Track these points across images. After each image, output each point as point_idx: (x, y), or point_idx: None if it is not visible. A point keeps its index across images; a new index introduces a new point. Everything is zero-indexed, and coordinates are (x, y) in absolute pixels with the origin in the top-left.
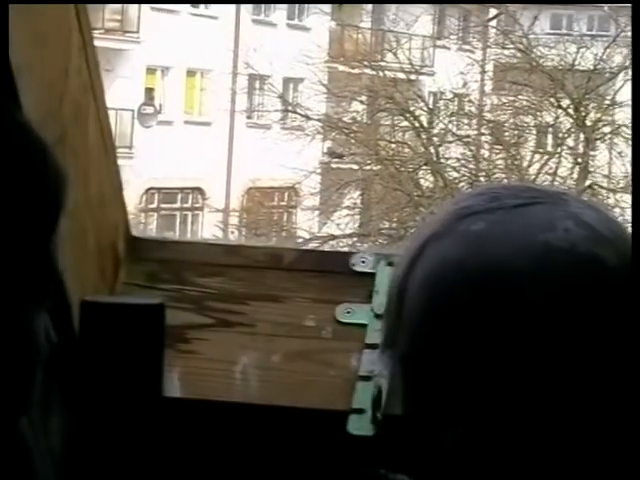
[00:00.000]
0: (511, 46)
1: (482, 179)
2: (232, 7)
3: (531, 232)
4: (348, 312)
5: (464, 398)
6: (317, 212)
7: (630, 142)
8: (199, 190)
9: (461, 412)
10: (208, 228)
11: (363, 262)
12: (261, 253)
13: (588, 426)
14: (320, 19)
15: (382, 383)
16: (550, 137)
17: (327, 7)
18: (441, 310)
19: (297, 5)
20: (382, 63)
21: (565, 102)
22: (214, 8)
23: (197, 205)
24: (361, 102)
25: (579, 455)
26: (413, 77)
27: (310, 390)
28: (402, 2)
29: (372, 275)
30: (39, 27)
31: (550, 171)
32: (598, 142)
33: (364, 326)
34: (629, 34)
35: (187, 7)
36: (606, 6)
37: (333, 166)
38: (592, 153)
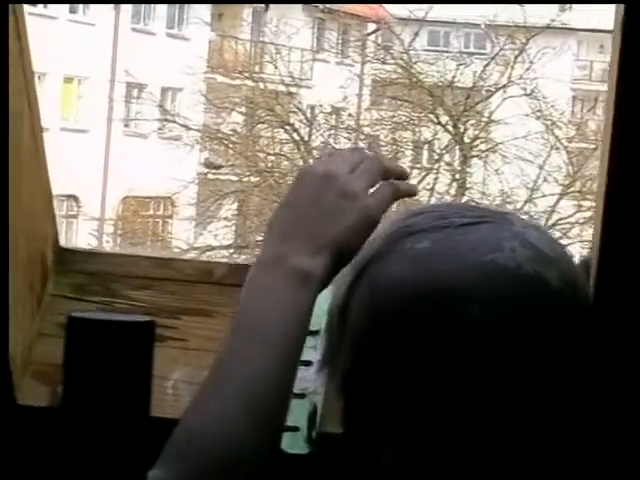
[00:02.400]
0: (391, 61)
1: None
2: (111, 14)
3: (478, 251)
4: None
5: (404, 416)
6: (194, 222)
7: (506, 160)
8: (74, 198)
9: (400, 430)
10: (83, 236)
11: None
12: (191, 267)
13: (526, 442)
14: (200, 29)
15: (317, 400)
16: (428, 153)
17: (207, 17)
18: (381, 330)
19: (177, 14)
20: (262, 75)
21: (444, 118)
22: (92, 15)
23: (72, 213)
24: (241, 113)
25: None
26: (293, 90)
27: None
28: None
29: None
30: None
31: (428, 187)
32: (475, 159)
33: None
34: (507, 52)
35: (65, 13)
36: (483, 24)
37: (211, 177)
38: (469, 170)
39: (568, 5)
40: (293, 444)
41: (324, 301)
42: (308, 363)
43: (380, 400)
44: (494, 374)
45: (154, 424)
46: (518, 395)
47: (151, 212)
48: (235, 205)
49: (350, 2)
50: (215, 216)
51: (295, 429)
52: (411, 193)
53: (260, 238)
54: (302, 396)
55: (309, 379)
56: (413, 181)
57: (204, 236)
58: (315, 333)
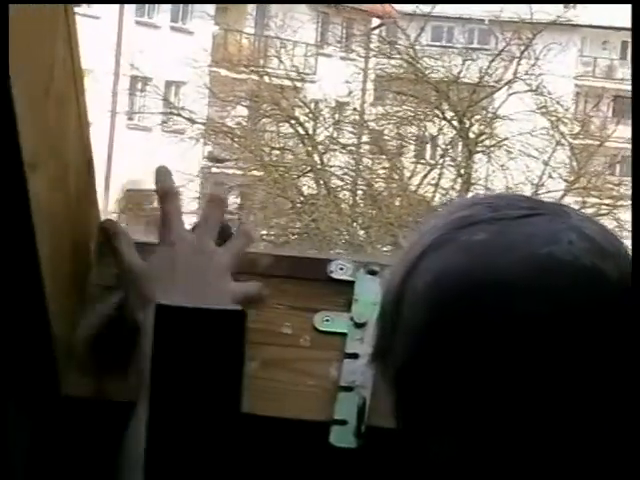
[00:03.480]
0: (397, 56)
1: (364, 188)
2: (115, 7)
3: (535, 244)
4: (326, 320)
5: (460, 411)
6: (197, 217)
7: (511, 156)
8: None
9: (456, 425)
10: None
11: (341, 269)
12: None
13: (583, 438)
14: (204, 23)
15: (366, 394)
16: (434, 148)
17: (211, 10)
18: (441, 321)
19: (181, 7)
20: (267, 69)
21: (449, 114)
22: (97, 8)
23: None
24: (246, 107)
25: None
26: (298, 84)
27: (288, 400)
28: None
29: (350, 283)
30: (28, 17)
31: (433, 182)
32: (480, 155)
33: (343, 335)
34: (513, 48)
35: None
36: (487, 20)
37: (215, 170)
38: (474, 165)
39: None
40: (341, 438)
41: (370, 293)
42: (355, 356)
43: (436, 394)
44: (551, 367)
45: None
46: (575, 389)
47: (154, 205)
48: (239, 199)
49: (353, 2)
50: None
51: (343, 423)
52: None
53: (264, 232)
54: (350, 389)
55: (356, 372)
56: (417, 177)
57: None
58: (361, 325)
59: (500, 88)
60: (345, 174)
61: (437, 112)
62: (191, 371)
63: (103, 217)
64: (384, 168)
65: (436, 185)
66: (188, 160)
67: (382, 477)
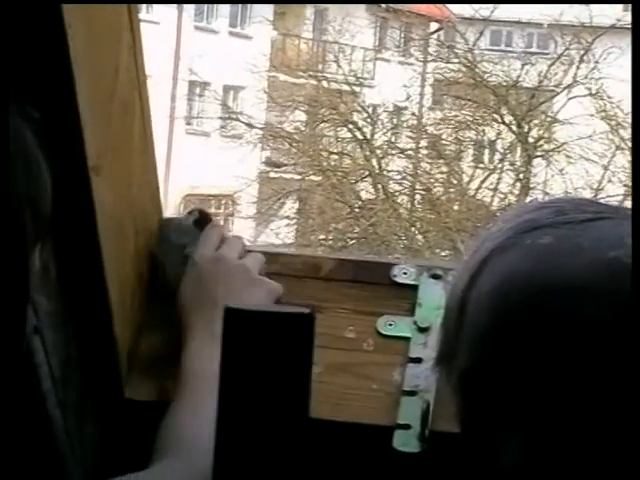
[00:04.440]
0: (455, 60)
1: (422, 192)
2: (174, 13)
3: (601, 248)
4: (390, 324)
5: (527, 414)
6: (255, 221)
7: (570, 160)
8: None
9: (523, 429)
10: None
11: (405, 274)
12: (299, 262)
13: None
14: (262, 27)
15: (429, 398)
16: (492, 153)
17: (270, 15)
18: (507, 325)
19: (240, 13)
20: (325, 73)
21: (508, 118)
22: (156, 13)
23: None
24: (304, 112)
25: None
26: (356, 89)
27: (352, 404)
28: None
29: (414, 287)
30: (93, 24)
31: (491, 186)
32: (539, 159)
33: (407, 339)
34: (572, 52)
35: None
36: (546, 24)
37: (273, 175)
38: (532, 170)
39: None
40: (405, 442)
41: (433, 298)
42: (418, 360)
43: (502, 398)
44: (619, 373)
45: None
46: None
47: (213, 210)
48: (297, 204)
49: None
50: (277, 215)
51: (407, 427)
52: None
53: (322, 237)
54: (413, 393)
55: (420, 376)
56: (476, 182)
57: (265, 234)
58: (425, 330)
59: (559, 92)
60: (403, 179)
61: (496, 116)
62: (259, 375)
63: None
64: (442, 173)
65: (495, 190)
66: (246, 165)
67: None
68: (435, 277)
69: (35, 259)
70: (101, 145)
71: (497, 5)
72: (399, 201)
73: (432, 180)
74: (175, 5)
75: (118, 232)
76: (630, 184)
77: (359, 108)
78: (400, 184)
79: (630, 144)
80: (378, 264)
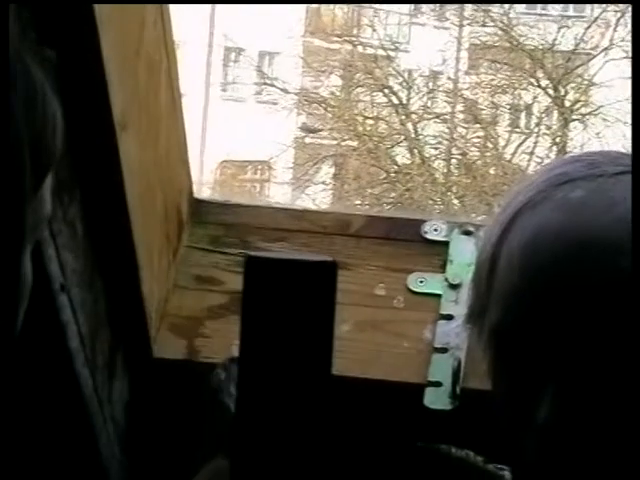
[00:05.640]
0: (491, 24)
1: (458, 157)
2: None
3: (631, 202)
4: (421, 281)
5: (560, 371)
6: (291, 187)
7: (607, 123)
8: None
9: (555, 385)
10: None
11: (435, 230)
12: (328, 218)
13: None
14: None
15: (460, 355)
16: (528, 117)
17: None
18: (539, 280)
19: None
20: (360, 38)
21: (544, 82)
22: None
23: None
24: (339, 77)
25: None
26: (392, 53)
27: (382, 361)
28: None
29: (445, 243)
30: None
31: (527, 150)
32: (575, 122)
33: (438, 296)
34: (609, 15)
35: None
36: None
37: (308, 141)
38: (569, 134)
39: None
40: (436, 400)
41: (465, 254)
42: (449, 317)
43: (535, 353)
44: None
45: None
46: None
47: (248, 176)
48: (333, 169)
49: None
50: (312, 180)
51: (438, 384)
52: None
53: (359, 202)
54: (444, 351)
55: (451, 333)
56: (512, 146)
57: (301, 200)
58: (456, 286)
59: (596, 55)
60: (439, 143)
61: (532, 80)
62: (281, 325)
63: (198, 189)
64: (478, 137)
65: (531, 154)
66: (282, 130)
67: (477, 440)
68: (466, 233)
69: (41, 202)
70: (127, 101)
71: None
72: (435, 166)
73: (468, 145)
74: None
75: (145, 190)
76: None
77: (394, 73)
78: (436, 149)
79: None
80: (409, 221)
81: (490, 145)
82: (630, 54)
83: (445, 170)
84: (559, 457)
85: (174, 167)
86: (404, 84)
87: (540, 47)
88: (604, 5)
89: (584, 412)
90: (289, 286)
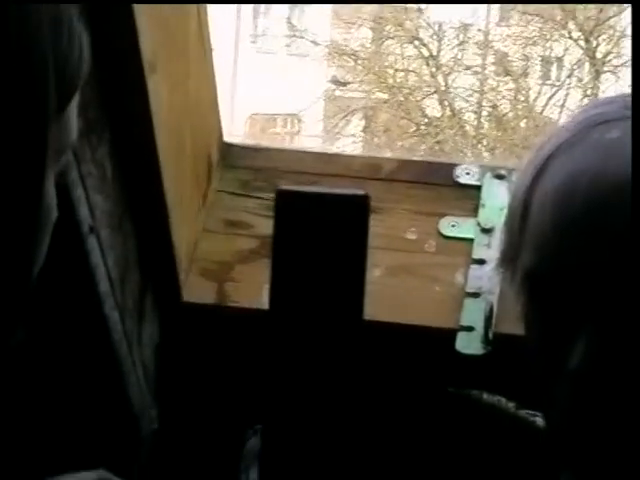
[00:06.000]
0: None
1: (489, 109)
2: None
3: None
4: (453, 225)
5: (594, 315)
6: (321, 139)
7: None
8: None
9: (589, 330)
10: None
11: (468, 174)
12: (358, 162)
13: None
14: None
15: (493, 300)
16: (559, 69)
17: None
18: (572, 224)
19: None
20: None
21: (576, 34)
22: None
23: None
24: (369, 29)
25: None
26: (422, 5)
27: (413, 306)
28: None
29: (477, 188)
30: None
31: (558, 103)
32: (607, 74)
33: (470, 240)
34: None
35: None
36: None
37: (338, 93)
38: (600, 86)
39: None
40: (468, 344)
41: (497, 198)
42: (482, 262)
43: (567, 299)
44: None
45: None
46: None
47: (278, 129)
48: (363, 122)
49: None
50: (342, 133)
51: (470, 329)
52: None
53: (388, 154)
54: (476, 295)
55: (483, 278)
56: (543, 98)
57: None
58: (488, 231)
59: (628, 6)
60: (470, 96)
61: (563, 32)
62: (313, 263)
63: (228, 140)
64: (509, 89)
65: (562, 106)
66: (312, 83)
67: (509, 386)
68: (499, 177)
69: (66, 127)
70: (156, 42)
71: None
72: (465, 118)
73: (499, 97)
74: None
75: (175, 133)
76: None
77: (425, 25)
78: (466, 101)
79: None
80: (440, 164)
81: (521, 97)
82: None
83: (475, 122)
84: (592, 404)
85: (204, 111)
86: (434, 36)
87: None
88: None
89: (617, 358)
90: (320, 220)
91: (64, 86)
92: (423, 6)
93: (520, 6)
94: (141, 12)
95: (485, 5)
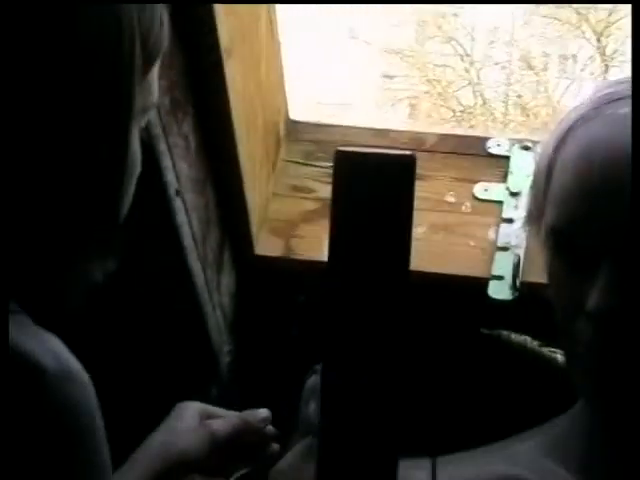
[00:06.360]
0: None
1: (514, 98)
2: None
3: None
4: (485, 190)
5: (608, 263)
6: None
7: None
8: None
9: (604, 279)
10: None
11: (498, 145)
12: (406, 136)
13: None
14: None
15: (520, 253)
16: (574, 64)
17: None
18: (592, 184)
19: None
20: None
21: (588, 34)
22: None
23: None
24: (414, 31)
25: None
26: (458, 11)
27: (452, 259)
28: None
29: (506, 158)
30: None
31: (574, 93)
32: (615, 69)
33: (500, 203)
34: None
35: None
36: None
37: (387, 85)
38: (610, 78)
39: None
40: (499, 291)
41: (524, 166)
42: (510, 220)
43: (586, 248)
44: None
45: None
46: None
47: (330, 115)
48: (408, 109)
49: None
50: (390, 119)
51: (500, 278)
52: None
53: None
54: (506, 249)
55: (511, 234)
56: (560, 89)
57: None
58: (516, 194)
59: None
60: (498, 87)
61: (578, 32)
62: (366, 214)
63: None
64: (531, 82)
65: (577, 96)
66: (365, 75)
67: (534, 327)
68: (525, 148)
69: (149, 89)
70: (232, 29)
71: None
72: (494, 106)
73: (523, 88)
74: None
75: (248, 110)
76: None
77: (460, 27)
78: (495, 92)
79: None
80: (475, 138)
81: (542, 89)
82: None
83: (503, 110)
84: (607, 338)
85: (273, 91)
86: (468, 36)
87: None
88: None
89: (629, 295)
90: (373, 176)
91: (147, 53)
92: (459, 11)
93: (541, 10)
94: (219, 5)
95: (511, 9)
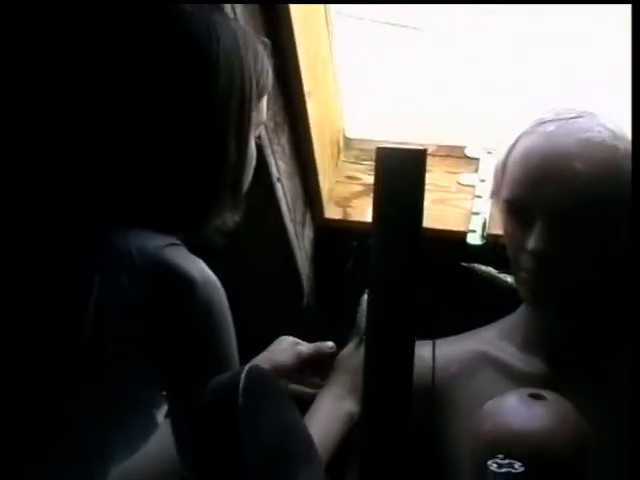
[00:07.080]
0: None
1: None
2: None
3: (580, 131)
4: (465, 178)
5: (541, 218)
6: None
7: None
8: None
9: (538, 227)
10: None
11: (472, 151)
12: (416, 145)
13: None
14: None
15: (486, 216)
16: None
17: None
18: (530, 172)
19: None
20: None
21: None
22: None
23: None
24: None
25: None
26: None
27: (446, 220)
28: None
29: (477, 159)
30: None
31: None
32: None
33: (473, 186)
34: None
35: None
36: None
37: None
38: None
39: None
40: (474, 239)
41: (489, 163)
42: (480, 197)
43: (528, 212)
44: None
45: None
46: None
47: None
48: None
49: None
50: None
51: (474, 231)
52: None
53: None
54: (477, 214)
55: (481, 205)
56: None
57: None
58: (483, 181)
59: None
60: None
61: None
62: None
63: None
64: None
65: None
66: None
67: (496, 262)
68: (489, 152)
69: (260, 112)
70: (310, 78)
71: None
72: None
73: None
74: None
75: (320, 130)
76: None
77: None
78: None
79: None
80: (458, 147)
81: None
82: None
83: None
84: (539, 266)
85: (335, 118)
86: None
87: None
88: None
89: (557, 242)
90: (399, 164)
91: (259, 90)
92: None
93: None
94: (301, 52)
95: None
